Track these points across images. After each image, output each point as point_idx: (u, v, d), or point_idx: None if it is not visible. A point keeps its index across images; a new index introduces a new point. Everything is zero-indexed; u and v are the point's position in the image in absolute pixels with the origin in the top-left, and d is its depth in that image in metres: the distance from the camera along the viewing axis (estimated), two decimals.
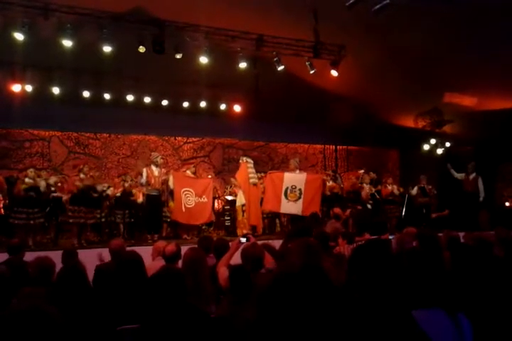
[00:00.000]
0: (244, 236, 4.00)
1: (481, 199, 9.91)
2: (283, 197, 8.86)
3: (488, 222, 9.68)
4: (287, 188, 8.88)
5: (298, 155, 12.77)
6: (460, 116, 10.96)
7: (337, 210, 7.40)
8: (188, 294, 2.69)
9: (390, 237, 4.75)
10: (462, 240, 4.33)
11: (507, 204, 12.64)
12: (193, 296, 2.97)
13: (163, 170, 8.49)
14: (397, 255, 3.67)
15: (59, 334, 1.59)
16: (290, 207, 8.83)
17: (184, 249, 3.62)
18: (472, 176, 10.10)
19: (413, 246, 3.78)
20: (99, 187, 7.95)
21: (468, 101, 10.50)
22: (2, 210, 8.28)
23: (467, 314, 2.20)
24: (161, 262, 3.79)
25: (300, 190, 8.87)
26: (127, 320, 2.71)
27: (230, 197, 9.65)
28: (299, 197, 8.83)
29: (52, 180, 8.10)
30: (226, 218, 9.53)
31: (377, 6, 7.22)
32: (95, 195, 7.91)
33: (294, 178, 8.97)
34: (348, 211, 8.82)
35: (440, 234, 4.26)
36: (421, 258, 2.92)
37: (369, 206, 9.56)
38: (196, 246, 4.02)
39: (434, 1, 7.19)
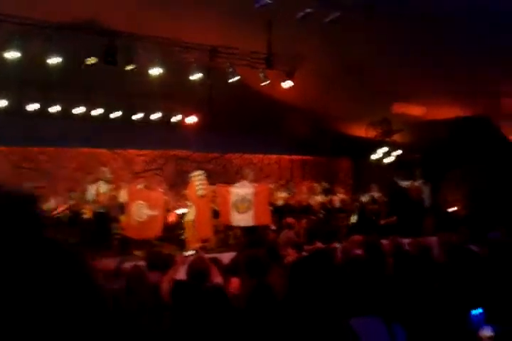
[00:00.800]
0: (191, 250, 3.95)
1: (426, 205, 10.22)
2: (233, 210, 8.80)
3: (433, 227, 10.02)
4: (236, 201, 8.83)
5: (253, 165, 12.78)
6: (409, 125, 11.32)
7: (290, 220, 7.43)
8: (125, 311, 2.61)
9: (338, 245, 4.80)
10: (407, 246, 4.42)
11: (451, 209, 13.12)
12: (135, 313, 2.89)
13: (112, 185, 8.28)
14: (342, 264, 3.71)
15: None
16: (241, 219, 8.78)
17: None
18: (419, 183, 10.42)
19: (357, 254, 3.82)
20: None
21: (416, 110, 10.88)
22: None
23: (402, 322, 2.23)
24: None
25: (250, 201, 8.84)
26: None
27: (181, 211, 9.49)
28: (249, 208, 8.81)
29: None
30: (179, 232, 9.35)
31: (328, 19, 7.43)
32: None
33: (241, 190, 8.94)
34: (304, 221, 8.90)
35: (385, 241, 4.34)
36: (364, 266, 2.97)
37: (321, 215, 9.66)
38: (140, 262, 3.91)
39: (383, 14, 7.44)
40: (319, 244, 5.93)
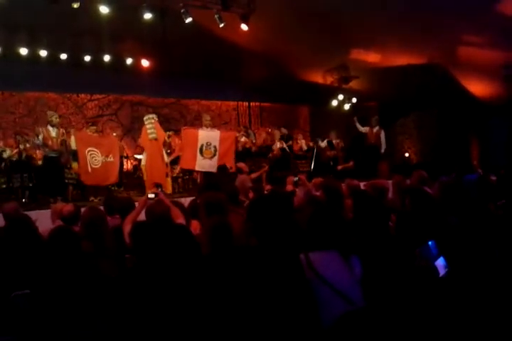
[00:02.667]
0: (153, 192, 3.91)
1: (382, 150, 10.53)
2: (198, 154, 8.77)
3: (388, 171, 10.39)
4: (202, 145, 8.79)
5: (211, 112, 12.60)
6: (365, 72, 11.35)
7: (240, 165, 7.49)
8: (83, 254, 2.59)
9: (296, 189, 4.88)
10: (362, 188, 4.57)
11: (406, 155, 13.61)
12: (93, 257, 2.87)
13: (61, 130, 7.96)
14: (301, 204, 3.80)
15: None
16: (205, 164, 8.78)
17: None
18: (375, 129, 10.64)
19: (316, 195, 3.92)
20: None
21: (372, 57, 10.88)
22: None
23: (360, 255, 2.35)
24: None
25: (215, 147, 8.84)
26: (23, 286, 2.57)
27: (139, 156, 9.36)
28: (214, 154, 8.82)
29: None
30: (136, 177, 9.28)
31: None
32: None
33: (208, 135, 8.88)
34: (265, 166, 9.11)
35: (343, 184, 4.46)
36: (322, 205, 3.04)
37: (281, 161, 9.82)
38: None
39: None
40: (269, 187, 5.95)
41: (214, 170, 8.58)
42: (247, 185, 5.56)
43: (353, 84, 11.97)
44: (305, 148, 10.49)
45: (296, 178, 4.57)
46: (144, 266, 2.33)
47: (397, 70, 10.81)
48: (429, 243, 2.66)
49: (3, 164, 8.12)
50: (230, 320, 1.81)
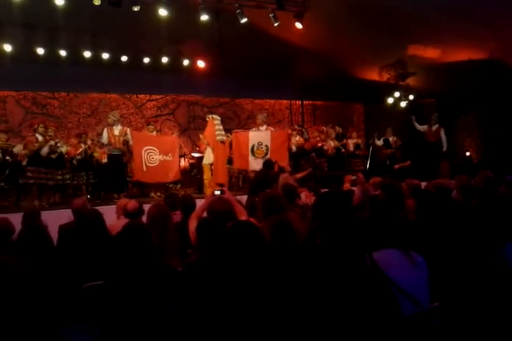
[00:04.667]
0: (219, 189, 3.97)
1: (444, 149, 10.16)
2: (250, 155, 8.87)
3: (449, 171, 10.02)
4: (253, 145, 8.88)
5: (264, 111, 12.65)
6: (423, 68, 11.02)
7: (283, 164, 7.46)
8: (153, 249, 2.68)
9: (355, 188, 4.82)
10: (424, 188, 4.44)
11: (467, 154, 13.07)
12: (158, 251, 2.97)
13: (124, 128, 8.27)
14: (359, 204, 3.75)
15: (29, 288, 1.56)
16: (257, 163, 8.85)
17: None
18: (435, 127, 10.29)
19: (376, 194, 3.85)
20: (45, 149, 7.66)
21: (431, 53, 10.53)
22: None
23: (427, 255, 2.29)
24: (125, 220, 3.75)
25: (266, 146, 8.90)
26: (93, 278, 2.70)
27: (196, 155, 9.56)
28: (266, 154, 8.88)
29: (18, 148, 7.79)
30: (194, 176, 9.48)
31: None
32: (53, 155, 7.69)
33: (259, 136, 8.96)
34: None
35: (402, 183, 4.35)
36: (383, 204, 2.99)
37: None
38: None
39: None
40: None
41: None
42: (288, 182, 5.52)
43: (411, 80, 11.65)
44: (361, 146, 10.32)
45: (354, 177, 4.51)
46: (210, 262, 2.39)
47: (457, 66, 10.41)
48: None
49: (68, 163, 8.53)
50: (297, 317, 1.82)
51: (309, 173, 8.61)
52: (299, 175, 8.13)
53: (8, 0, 7.12)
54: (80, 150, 8.48)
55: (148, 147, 8.46)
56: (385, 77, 11.78)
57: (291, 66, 10.92)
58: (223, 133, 8.60)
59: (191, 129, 11.99)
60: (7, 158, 7.75)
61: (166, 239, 3.17)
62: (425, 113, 11.03)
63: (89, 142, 8.70)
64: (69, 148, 8.32)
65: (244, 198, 5.30)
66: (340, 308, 1.60)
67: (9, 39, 9.40)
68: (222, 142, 8.51)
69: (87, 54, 10.18)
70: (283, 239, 2.52)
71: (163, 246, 3.12)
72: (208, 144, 8.80)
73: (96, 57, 10.28)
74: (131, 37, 9.70)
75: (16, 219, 3.70)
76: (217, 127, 8.54)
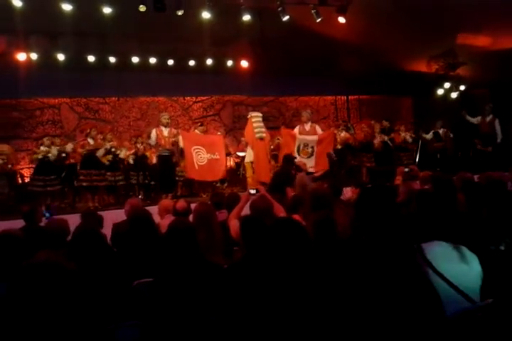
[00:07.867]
0: (254, 188, 4.03)
1: (498, 140, 9.74)
2: (296, 154, 8.83)
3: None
4: (300, 145, 8.86)
5: (309, 107, 12.54)
6: (474, 57, 10.57)
7: (300, 162, 7.31)
8: (199, 246, 2.74)
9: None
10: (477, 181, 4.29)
11: None
12: (204, 249, 3.04)
13: (173, 130, 8.47)
14: (404, 199, 3.67)
15: (76, 287, 1.63)
16: (302, 163, 8.81)
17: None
18: (489, 118, 9.88)
19: (425, 188, 3.76)
20: (100, 151, 8.00)
21: (482, 41, 10.08)
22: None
23: (481, 251, 2.21)
24: (170, 219, 3.85)
25: (312, 147, 8.87)
26: (143, 275, 2.79)
27: (241, 154, 9.65)
28: (311, 154, 8.84)
29: (69, 147, 8.22)
30: (239, 174, 9.60)
31: None
32: (109, 157, 8.04)
33: (305, 138, 8.91)
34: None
35: (454, 177, 4.22)
36: (431, 198, 2.91)
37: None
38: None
39: None
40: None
41: (311, 168, 8.58)
42: (306, 183, 5.43)
43: (461, 70, 11.20)
44: (409, 140, 10.05)
45: (407, 169, 4.42)
46: (255, 259, 2.42)
47: (509, 54, 9.92)
48: None
49: (121, 164, 8.87)
50: (342, 314, 1.81)
51: (326, 172, 8.54)
52: (316, 175, 8.06)
53: (60, 11, 7.46)
54: (133, 151, 8.80)
55: (196, 146, 8.63)
56: (434, 68, 11.38)
57: (335, 61, 10.79)
58: (263, 130, 8.51)
59: (236, 129, 12.10)
60: (63, 155, 8.15)
61: (212, 237, 3.23)
62: (478, 103, 10.58)
63: (140, 144, 9.00)
64: (128, 152, 8.69)
65: None
66: (384, 305, 1.58)
67: (62, 49, 9.86)
68: (261, 139, 8.44)
69: (135, 59, 10.52)
70: (325, 235, 2.52)
71: (209, 244, 3.19)
72: (247, 143, 8.84)
73: (143, 62, 10.60)
74: (177, 41, 9.92)
75: (73, 220, 3.88)
76: (255, 124, 8.46)
